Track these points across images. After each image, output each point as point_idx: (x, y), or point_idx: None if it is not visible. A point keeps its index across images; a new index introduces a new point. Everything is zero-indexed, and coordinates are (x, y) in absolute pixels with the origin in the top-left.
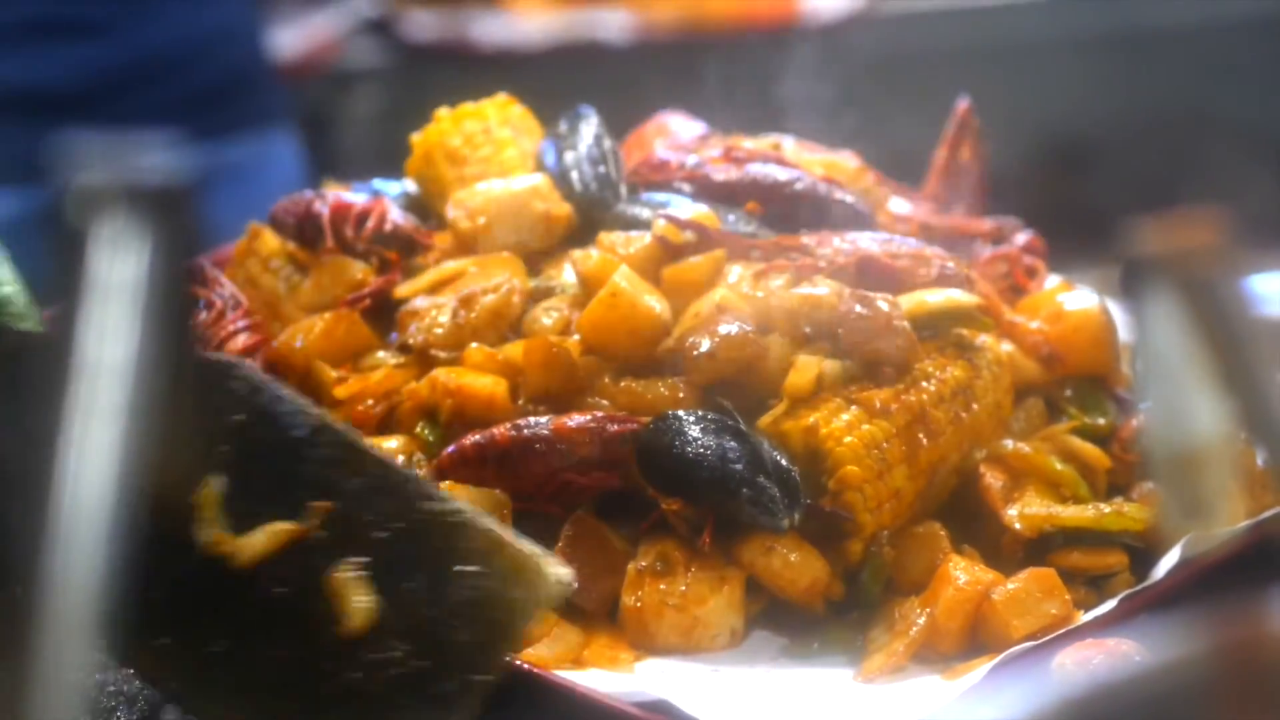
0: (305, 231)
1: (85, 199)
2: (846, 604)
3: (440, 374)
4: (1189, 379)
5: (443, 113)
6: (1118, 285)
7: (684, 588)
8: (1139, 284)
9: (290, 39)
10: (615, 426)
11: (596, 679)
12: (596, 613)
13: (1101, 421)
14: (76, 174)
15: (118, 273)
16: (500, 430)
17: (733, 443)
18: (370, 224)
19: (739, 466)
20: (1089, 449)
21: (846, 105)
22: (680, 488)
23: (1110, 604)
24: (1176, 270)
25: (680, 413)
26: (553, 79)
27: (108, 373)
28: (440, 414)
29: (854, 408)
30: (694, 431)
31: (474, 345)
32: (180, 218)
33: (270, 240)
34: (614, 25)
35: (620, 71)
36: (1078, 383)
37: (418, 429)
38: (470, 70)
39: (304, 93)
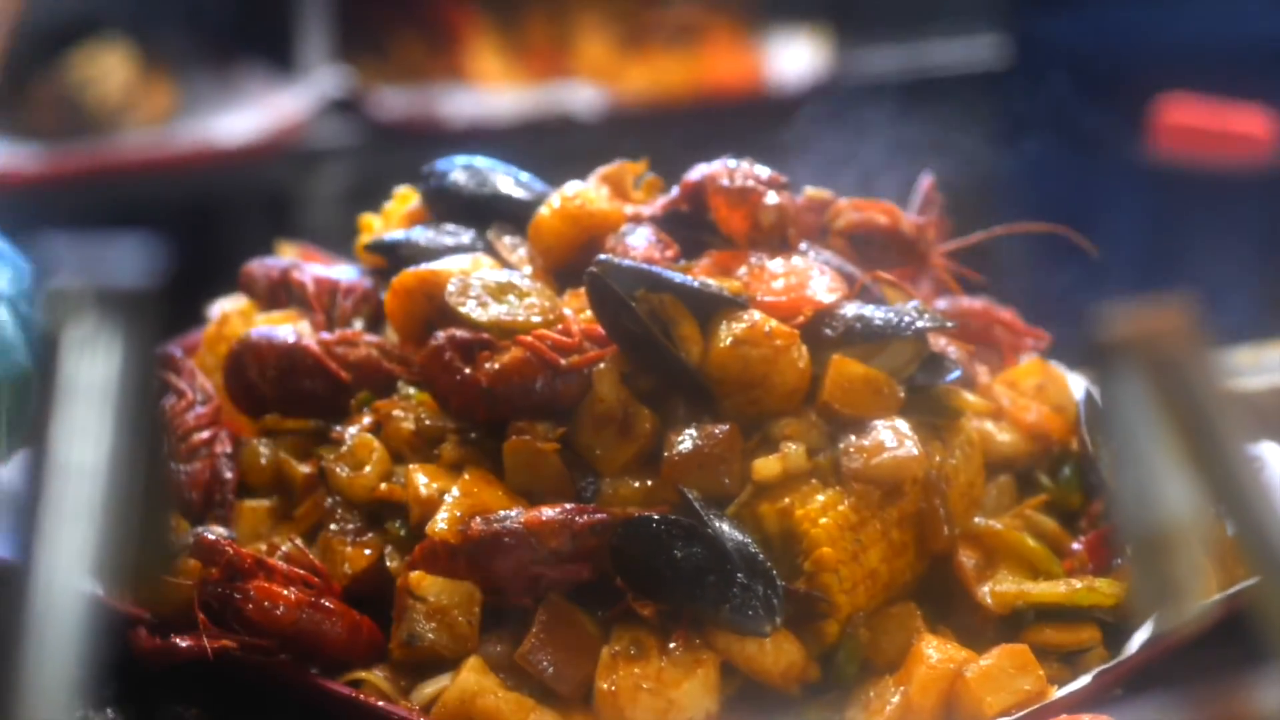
0: (278, 297)
1: (58, 301)
2: (822, 684)
3: (417, 477)
4: (1159, 459)
5: (402, 190)
6: (1087, 367)
7: (658, 671)
8: (1109, 366)
9: (254, 119)
10: (584, 518)
11: None
12: (572, 697)
13: (1072, 497)
14: (49, 277)
15: (89, 374)
16: (472, 525)
17: (706, 550)
18: (351, 303)
19: (714, 578)
20: (1052, 526)
21: (816, 176)
22: (656, 596)
23: (1084, 679)
24: (1145, 353)
25: (652, 517)
26: (523, 154)
27: (80, 473)
28: (410, 516)
29: (829, 489)
30: (666, 540)
31: (448, 444)
32: (149, 319)
33: (237, 326)
34: (583, 99)
35: (590, 145)
36: (1051, 459)
37: (391, 525)
38: (439, 148)
39: (269, 172)
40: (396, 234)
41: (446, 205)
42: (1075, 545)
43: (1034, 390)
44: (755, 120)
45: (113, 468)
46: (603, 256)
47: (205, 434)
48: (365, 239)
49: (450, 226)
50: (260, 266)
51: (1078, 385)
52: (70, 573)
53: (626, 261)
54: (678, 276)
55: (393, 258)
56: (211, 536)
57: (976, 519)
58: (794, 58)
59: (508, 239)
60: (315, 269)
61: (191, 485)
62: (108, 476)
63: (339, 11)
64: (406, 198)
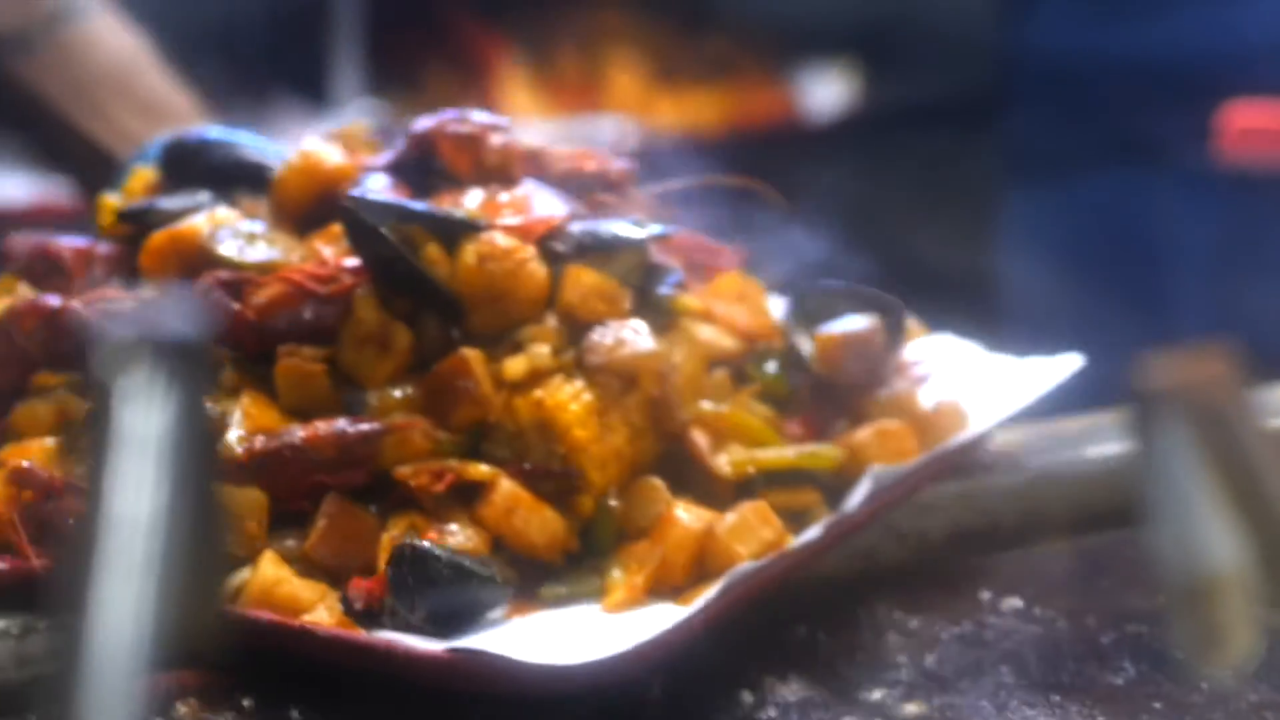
0: (35, 267)
1: (112, 354)
2: (583, 554)
3: None
4: (1203, 510)
5: (138, 169)
6: (1130, 420)
7: None
8: (1152, 414)
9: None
10: (354, 430)
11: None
12: None
13: (780, 388)
14: (103, 329)
15: (143, 427)
16: (259, 441)
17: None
18: (108, 268)
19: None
20: (767, 411)
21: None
22: None
23: (815, 530)
24: (1188, 400)
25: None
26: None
27: (135, 526)
28: None
29: (574, 383)
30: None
31: (226, 372)
32: (202, 371)
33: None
34: (614, 132)
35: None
36: (757, 355)
37: None
38: None
39: None
40: (140, 203)
41: (187, 176)
42: (792, 427)
43: (737, 298)
44: (787, 153)
45: (166, 520)
46: (354, 192)
47: None
48: (106, 218)
49: (194, 191)
50: (19, 240)
51: (779, 303)
52: (124, 628)
53: (377, 196)
54: (423, 206)
55: (141, 225)
56: (26, 465)
57: (704, 403)
58: (825, 91)
59: (248, 201)
60: (71, 240)
61: None
62: (161, 529)
63: (371, 45)
64: (144, 176)
